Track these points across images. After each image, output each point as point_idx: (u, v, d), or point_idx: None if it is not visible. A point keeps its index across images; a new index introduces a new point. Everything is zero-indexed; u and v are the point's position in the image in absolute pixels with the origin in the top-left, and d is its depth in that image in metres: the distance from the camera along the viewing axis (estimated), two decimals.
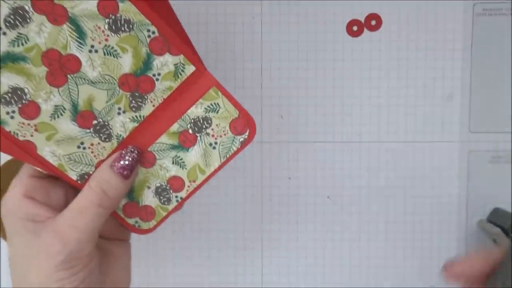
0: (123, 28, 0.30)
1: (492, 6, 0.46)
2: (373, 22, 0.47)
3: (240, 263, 0.49)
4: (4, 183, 0.47)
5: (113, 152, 0.32)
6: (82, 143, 0.32)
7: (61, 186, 0.33)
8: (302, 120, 0.47)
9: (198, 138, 0.33)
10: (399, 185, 0.48)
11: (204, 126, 0.33)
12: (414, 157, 0.48)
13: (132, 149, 0.32)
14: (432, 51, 0.47)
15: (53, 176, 0.33)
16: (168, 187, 0.34)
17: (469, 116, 0.47)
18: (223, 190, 0.48)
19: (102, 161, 0.32)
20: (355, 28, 0.47)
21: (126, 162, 0.32)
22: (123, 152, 0.32)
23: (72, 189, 0.33)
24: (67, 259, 0.29)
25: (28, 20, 0.29)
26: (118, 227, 0.35)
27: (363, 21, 0.47)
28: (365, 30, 0.47)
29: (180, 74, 0.32)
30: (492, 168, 0.47)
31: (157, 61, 0.31)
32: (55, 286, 0.29)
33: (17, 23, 0.29)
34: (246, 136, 0.34)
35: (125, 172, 0.32)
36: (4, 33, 0.29)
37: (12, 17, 0.28)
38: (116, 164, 0.32)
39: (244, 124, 0.33)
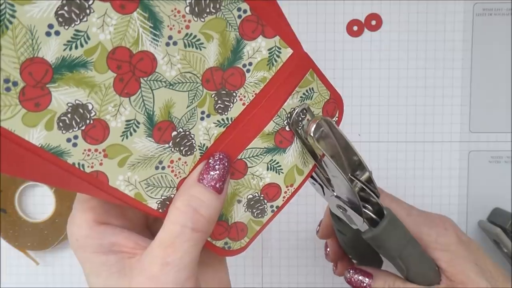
0: (208, 9, 0.24)
1: (492, 6, 0.46)
2: (373, 22, 0.47)
3: (240, 263, 0.49)
4: (4, 183, 0.47)
5: (195, 166, 0.26)
6: (160, 162, 0.25)
7: None
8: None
9: (295, 134, 0.28)
10: (399, 185, 0.48)
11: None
12: (414, 157, 0.48)
13: (221, 156, 0.26)
14: (432, 51, 0.47)
15: None
16: (262, 197, 0.28)
17: (469, 116, 0.47)
18: None
19: (184, 179, 0.26)
20: (355, 28, 0.47)
21: (217, 172, 0.25)
22: (211, 161, 0.26)
23: None
24: None
25: (88, 11, 0.21)
26: None
27: (363, 21, 0.47)
28: (365, 30, 0.47)
29: (275, 60, 0.26)
30: (492, 168, 0.47)
31: (248, 48, 0.25)
32: None
33: (73, 16, 0.21)
34: (337, 118, 0.29)
35: (217, 185, 0.25)
36: (57, 32, 0.21)
37: (66, 9, 0.21)
38: (205, 176, 0.25)
39: (334, 105, 0.29)
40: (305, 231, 0.48)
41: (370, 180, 0.32)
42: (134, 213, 0.27)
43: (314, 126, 0.27)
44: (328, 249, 0.41)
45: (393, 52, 0.47)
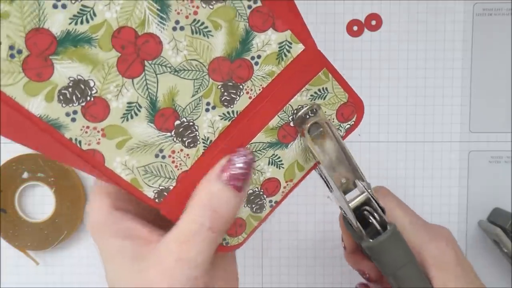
0: None
1: (492, 6, 0.46)
2: (373, 22, 0.47)
3: (240, 263, 0.49)
4: (4, 183, 0.47)
5: (199, 160, 0.25)
6: (161, 151, 0.25)
7: None
8: None
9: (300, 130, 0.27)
10: (399, 185, 0.48)
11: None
12: (414, 157, 0.48)
13: (245, 153, 0.25)
14: (432, 51, 0.47)
15: None
16: (261, 192, 0.28)
17: (469, 116, 0.47)
18: None
19: (185, 172, 0.25)
20: (355, 28, 0.47)
21: (240, 171, 0.25)
22: (235, 157, 0.25)
23: None
24: None
25: None
26: None
27: (363, 21, 0.47)
28: (365, 30, 0.47)
29: (285, 55, 0.25)
30: (492, 168, 0.47)
31: (258, 40, 0.25)
32: None
33: None
34: (353, 123, 0.28)
35: (238, 184, 0.24)
36: (64, 6, 0.21)
37: None
38: (226, 173, 0.25)
39: (352, 109, 0.28)
40: (305, 231, 0.48)
41: (369, 200, 0.30)
42: None
43: (311, 123, 0.27)
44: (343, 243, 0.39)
45: (393, 52, 0.47)
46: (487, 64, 0.47)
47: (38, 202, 0.48)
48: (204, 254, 0.24)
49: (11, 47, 0.21)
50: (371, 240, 0.31)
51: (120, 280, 0.25)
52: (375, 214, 0.30)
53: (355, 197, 0.30)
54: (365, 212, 0.30)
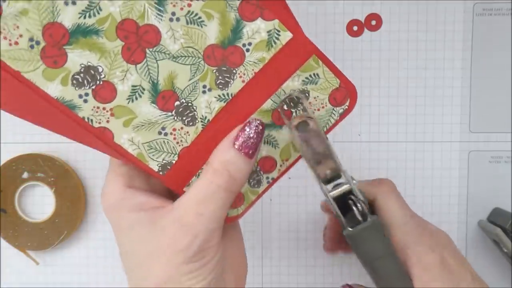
0: None
1: (492, 6, 0.46)
2: (373, 22, 0.47)
3: None
4: (4, 183, 0.47)
5: (198, 137, 0.28)
6: (163, 128, 0.28)
7: None
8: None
9: (294, 113, 0.29)
10: (399, 184, 0.48)
11: (300, 101, 0.29)
12: (415, 157, 0.48)
13: (257, 123, 0.28)
14: (432, 51, 0.47)
15: None
16: (258, 169, 0.30)
17: (469, 116, 0.47)
18: None
19: (186, 148, 0.28)
20: (355, 28, 0.47)
21: (251, 140, 0.28)
22: (246, 127, 0.28)
23: None
24: (198, 251, 0.27)
25: None
26: None
27: (363, 21, 0.47)
28: (365, 30, 0.47)
29: (274, 42, 0.28)
30: (492, 168, 0.47)
31: (248, 28, 0.27)
32: (186, 278, 0.27)
33: None
34: (346, 107, 0.30)
35: (250, 151, 0.28)
36: (74, 2, 0.25)
37: None
38: (239, 142, 0.28)
39: (345, 94, 0.30)
40: (305, 231, 0.48)
41: (350, 192, 0.32)
42: (157, 180, 0.29)
43: (299, 121, 0.28)
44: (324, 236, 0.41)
45: (393, 52, 0.47)
46: (487, 64, 0.47)
47: (38, 202, 0.48)
48: (221, 211, 0.27)
49: (31, 39, 0.25)
50: (350, 229, 0.32)
51: (138, 248, 0.28)
52: (358, 204, 0.32)
53: (338, 186, 0.32)
54: (350, 201, 0.32)
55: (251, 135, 0.28)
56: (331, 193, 0.32)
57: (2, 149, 0.47)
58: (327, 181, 0.30)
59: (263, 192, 0.31)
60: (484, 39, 0.46)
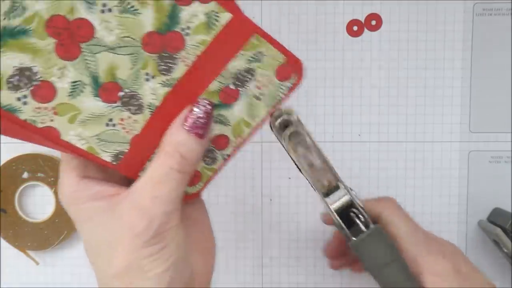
0: None
1: (492, 6, 0.46)
2: (373, 22, 0.47)
3: (240, 263, 0.49)
4: (4, 183, 0.47)
5: (147, 124, 0.29)
6: (110, 120, 0.28)
7: None
8: (302, 120, 0.47)
9: (241, 92, 0.30)
10: (399, 185, 0.48)
11: (247, 79, 0.30)
12: (414, 157, 0.48)
13: (205, 103, 0.28)
14: (432, 51, 0.47)
15: None
16: (212, 147, 0.31)
17: (469, 116, 0.47)
18: (223, 189, 0.48)
19: (137, 136, 0.29)
20: (355, 28, 0.47)
21: (201, 120, 0.28)
22: (195, 108, 0.28)
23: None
24: (155, 234, 0.27)
25: None
26: None
27: (363, 21, 0.47)
28: (365, 30, 0.47)
29: (214, 24, 0.28)
30: (492, 168, 0.47)
31: (185, 13, 0.27)
32: (147, 262, 0.27)
33: None
34: (294, 81, 0.31)
35: (200, 131, 0.28)
36: None
37: None
38: (188, 122, 0.28)
39: (291, 68, 0.30)
40: (305, 231, 0.48)
41: (351, 205, 0.32)
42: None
43: (290, 132, 0.29)
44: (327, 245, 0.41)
45: (393, 52, 0.47)
46: (487, 64, 0.47)
47: (38, 202, 0.48)
48: (176, 192, 0.27)
49: None
50: (354, 239, 0.32)
51: (99, 237, 0.28)
52: (360, 216, 0.32)
53: (338, 199, 0.33)
54: (352, 214, 0.33)
55: (200, 115, 0.28)
56: (333, 206, 0.32)
57: (2, 149, 0.47)
58: (326, 194, 0.31)
59: (220, 167, 0.32)
60: (484, 39, 0.46)
